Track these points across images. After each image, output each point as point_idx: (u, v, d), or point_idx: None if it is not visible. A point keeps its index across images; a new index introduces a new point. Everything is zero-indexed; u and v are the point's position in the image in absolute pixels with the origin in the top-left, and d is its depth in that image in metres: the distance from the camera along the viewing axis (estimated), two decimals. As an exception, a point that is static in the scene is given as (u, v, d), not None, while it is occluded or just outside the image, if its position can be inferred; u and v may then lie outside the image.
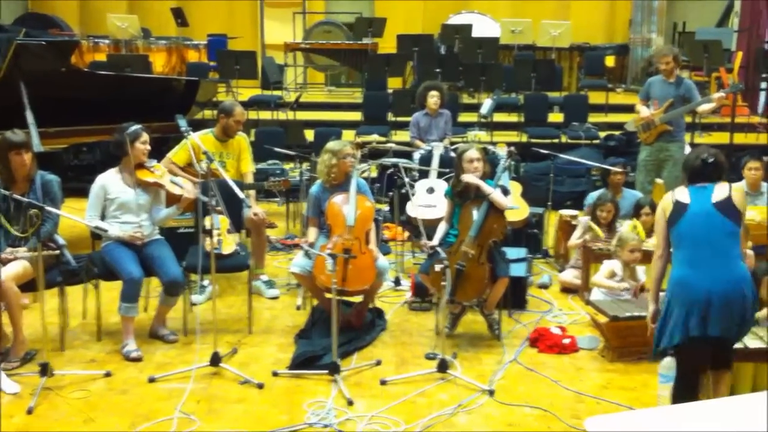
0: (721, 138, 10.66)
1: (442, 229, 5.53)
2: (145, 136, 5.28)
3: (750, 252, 3.97)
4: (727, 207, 3.84)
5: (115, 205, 5.24)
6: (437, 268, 4.89)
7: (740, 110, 11.26)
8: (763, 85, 12.65)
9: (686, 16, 14.48)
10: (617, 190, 7.01)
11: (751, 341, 4.44)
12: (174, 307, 5.42)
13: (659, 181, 7.69)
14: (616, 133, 10.02)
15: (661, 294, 4.24)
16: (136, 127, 5.27)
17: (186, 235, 6.14)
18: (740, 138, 10.66)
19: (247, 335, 5.53)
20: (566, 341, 5.36)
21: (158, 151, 6.28)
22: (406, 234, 7.36)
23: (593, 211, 6.53)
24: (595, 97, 11.61)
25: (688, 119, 8.95)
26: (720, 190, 3.89)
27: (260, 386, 4.72)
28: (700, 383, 4.05)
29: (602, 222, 6.48)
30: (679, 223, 3.91)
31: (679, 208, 3.92)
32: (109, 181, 5.27)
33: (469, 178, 5.37)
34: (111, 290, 5.41)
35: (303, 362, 4.97)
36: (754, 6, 13.45)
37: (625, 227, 6.22)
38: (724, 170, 4.01)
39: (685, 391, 4.01)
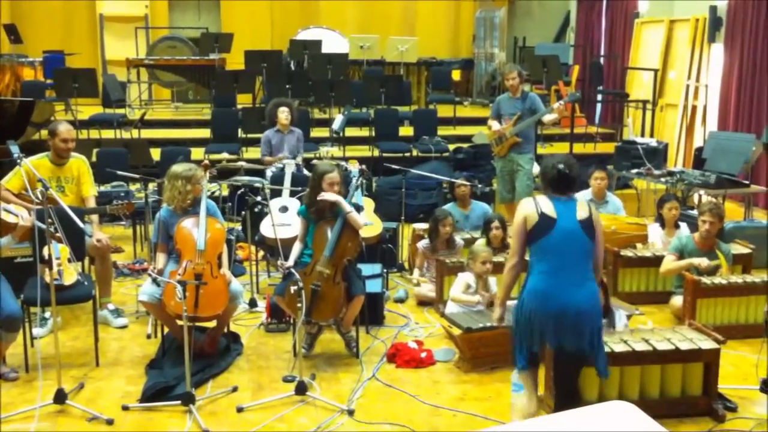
0: (562, 148, 11.18)
1: (296, 249, 5.47)
2: None
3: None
4: (589, 226, 4.04)
5: (-57, 237, 4.86)
6: (292, 290, 4.82)
7: (578, 121, 11.85)
8: (599, 96, 13.39)
9: (526, 32, 15.14)
10: (465, 202, 7.16)
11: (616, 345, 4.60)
12: (14, 342, 5.08)
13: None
14: (465, 145, 10.29)
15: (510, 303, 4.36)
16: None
17: (24, 264, 5.77)
18: (579, 148, 11.23)
19: (93, 368, 5.26)
20: (423, 355, 5.43)
21: (-8, 174, 5.94)
22: (261, 253, 7.25)
23: (436, 228, 6.63)
24: (444, 111, 11.90)
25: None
26: (582, 209, 4.07)
27: (110, 422, 4.50)
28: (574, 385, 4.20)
29: (443, 236, 6.60)
30: (546, 237, 4.01)
31: (546, 221, 4.02)
32: (-64, 213, 4.88)
33: (328, 195, 5.34)
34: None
35: (155, 394, 4.78)
36: (588, 22, 14.23)
37: (478, 243, 6.35)
38: (578, 179, 4.21)
39: (564, 398, 4.14)
